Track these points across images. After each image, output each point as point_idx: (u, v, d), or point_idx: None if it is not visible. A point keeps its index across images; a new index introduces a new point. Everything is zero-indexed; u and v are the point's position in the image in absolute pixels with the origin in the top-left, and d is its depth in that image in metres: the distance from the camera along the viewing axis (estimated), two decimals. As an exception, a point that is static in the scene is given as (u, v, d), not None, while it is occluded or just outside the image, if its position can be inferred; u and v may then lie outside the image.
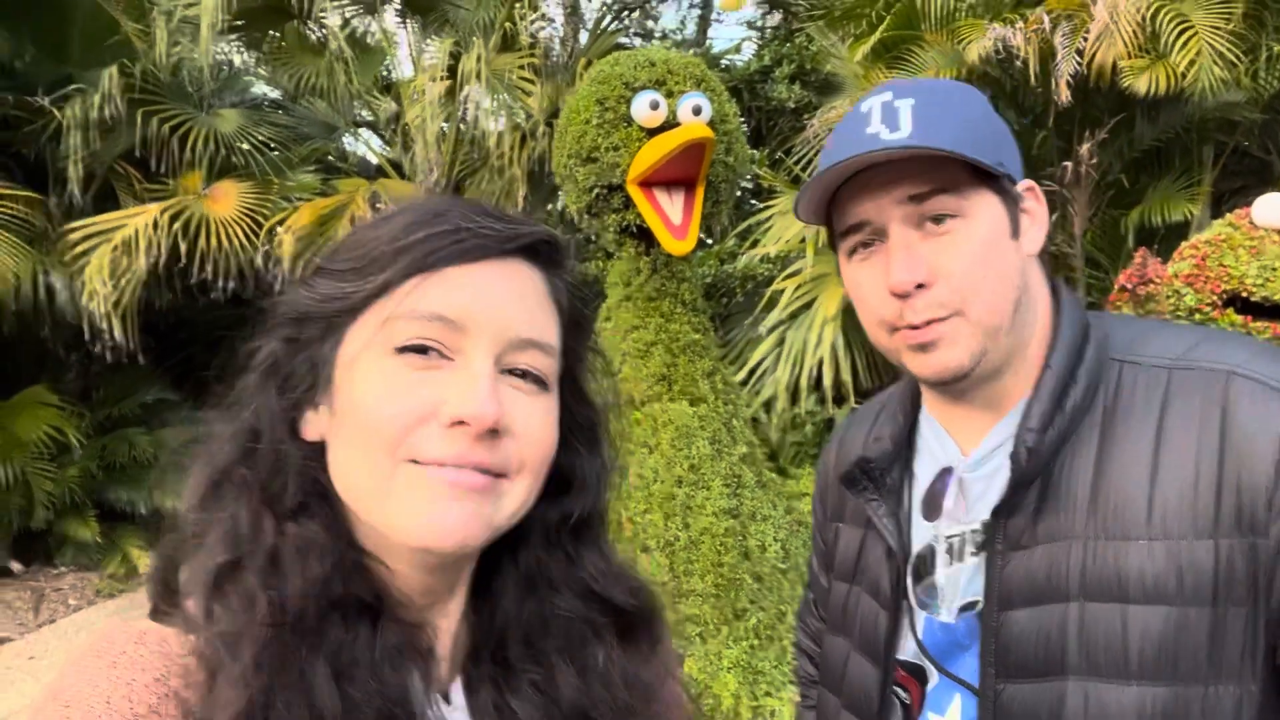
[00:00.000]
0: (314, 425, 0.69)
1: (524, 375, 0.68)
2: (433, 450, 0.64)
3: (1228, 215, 3.86)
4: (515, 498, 0.69)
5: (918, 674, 1.02)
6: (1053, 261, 6.64)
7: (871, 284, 0.95)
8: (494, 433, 0.65)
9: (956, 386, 0.97)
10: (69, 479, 6.57)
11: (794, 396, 6.77)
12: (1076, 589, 0.88)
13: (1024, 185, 0.97)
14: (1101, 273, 6.67)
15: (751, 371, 7.01)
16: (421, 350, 0.65)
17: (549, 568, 0.77)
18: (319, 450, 0.68)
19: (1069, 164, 6.08)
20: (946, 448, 1.03)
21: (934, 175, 0.90)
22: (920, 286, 0.91)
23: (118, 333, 6.31)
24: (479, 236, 0.68)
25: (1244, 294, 3.61)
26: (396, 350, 0.65)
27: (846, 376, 6.55)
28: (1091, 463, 0.90)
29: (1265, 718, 0.84)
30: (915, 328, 0.92)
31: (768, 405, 6.86)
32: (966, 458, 1.00)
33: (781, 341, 6.93)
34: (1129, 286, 3.94)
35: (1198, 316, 3.70)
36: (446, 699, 0.72)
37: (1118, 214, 6.56)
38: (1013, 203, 0.95)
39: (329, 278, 0.69)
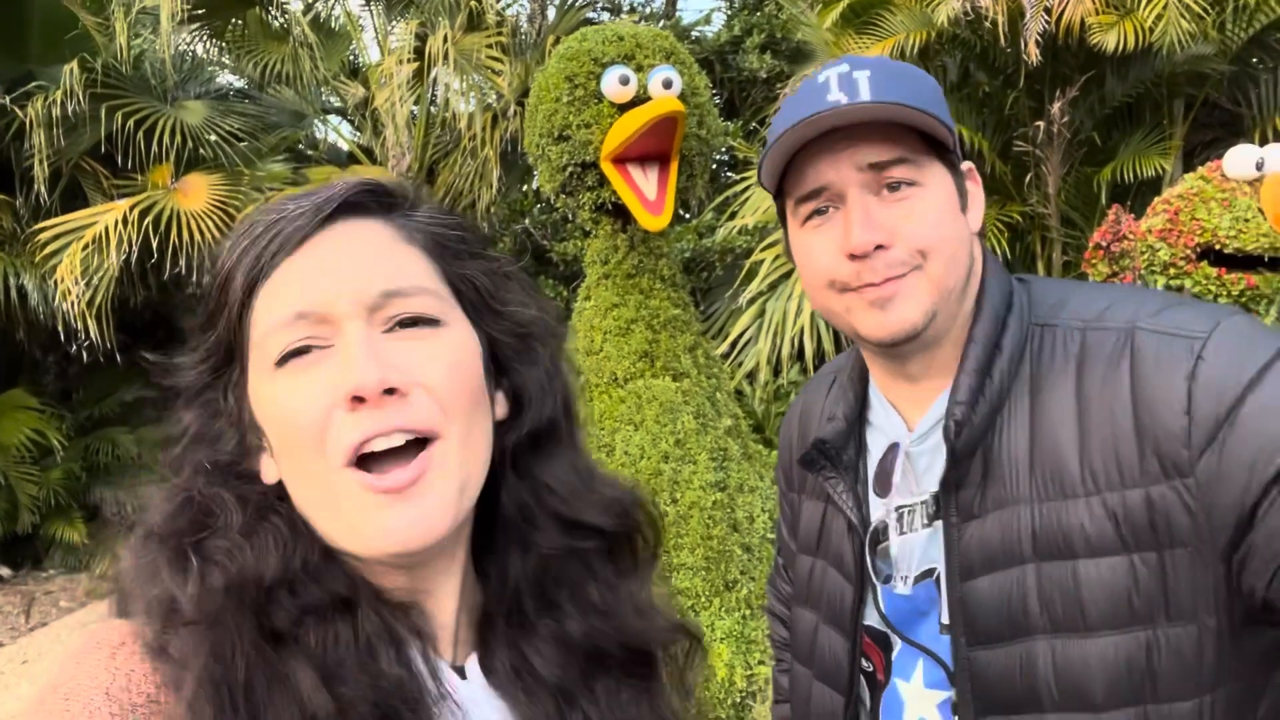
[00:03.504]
0: (268, 467, 0.69)
1: (412, 323, 0.67)
2: (350, 436, 0.63)
3: (1199, 169, 3.87)
4: (456, 450, 0.66)
5: (882, 641, 1.05)
6: (1028, 222, 6.66)
7: (825, 247, 0.96)
8: (394, 392, 0.64)
9: (901, 349, 0.98)
10: (53, 482, 6.52)
11: (776, 368, 6.78)
12: (1029, 551, 0.90)
13: (965, 166, 1.00)
14: (1077, 231, 6.69)
15: (733, 344, 7.01)
16: (301, 351, 0.65)
17: (526, 502, 0.76)
18: (281, 489, 0.69)
19: (1041, 123, 6.08)
20: (893, 423, 1.05)
21: (895, 143, 0.92)
22: (879, 248, 0.92)
23: (93, 332, 6.22)
24: (291, 221, 0.68)
25: (1217, 246, 3.62)
26: (277, 364, 0.65)
27: (829, 345, 6.56)
28: (1026, 428, 0.93)
29: (1236, 647, 0.85)
30: (874, 285, 0.94)
31: (751, 377, 6.87)
32: (911, 432, 1.02)
33: (762, 313, 6.92)
34: (1104, 244, 3.95)
35: (1172, 271, 3.72)
36: (462, 674, 0.72)
37: (1091, 171, 6.57)
38: (960, 178, 0.99)
39: (195, 338, 0.72)
